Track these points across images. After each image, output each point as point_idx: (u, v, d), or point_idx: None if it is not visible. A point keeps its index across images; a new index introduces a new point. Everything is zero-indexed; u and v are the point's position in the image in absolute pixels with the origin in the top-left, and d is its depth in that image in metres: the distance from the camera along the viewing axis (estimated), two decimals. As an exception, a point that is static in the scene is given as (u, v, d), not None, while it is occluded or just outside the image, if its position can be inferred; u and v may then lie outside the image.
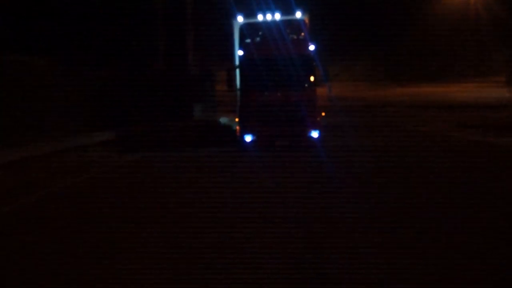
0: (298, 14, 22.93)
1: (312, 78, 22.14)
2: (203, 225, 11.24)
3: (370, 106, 31.50)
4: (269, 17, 23.17)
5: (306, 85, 22.14)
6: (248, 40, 22.78)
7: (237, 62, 23.59)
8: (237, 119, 22.99)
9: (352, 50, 44.35)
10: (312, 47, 22.40)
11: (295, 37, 22.69)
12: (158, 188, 15.53)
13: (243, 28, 23.17)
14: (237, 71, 23.21)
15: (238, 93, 23.24)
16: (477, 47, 53.81)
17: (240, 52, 22.58)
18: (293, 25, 22.95)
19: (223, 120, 29.45)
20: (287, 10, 23.15)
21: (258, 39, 22.85)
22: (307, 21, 23.30)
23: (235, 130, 23.53)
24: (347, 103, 31.18)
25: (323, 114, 22.60)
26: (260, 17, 23.28)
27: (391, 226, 10.66)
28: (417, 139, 23.88)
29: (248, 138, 22.09)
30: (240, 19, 23.56)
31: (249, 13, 23.49)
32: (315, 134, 21.99)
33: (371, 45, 46.14)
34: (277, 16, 23.05)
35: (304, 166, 18.72)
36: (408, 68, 47.23)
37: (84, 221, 11.93)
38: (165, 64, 28.95)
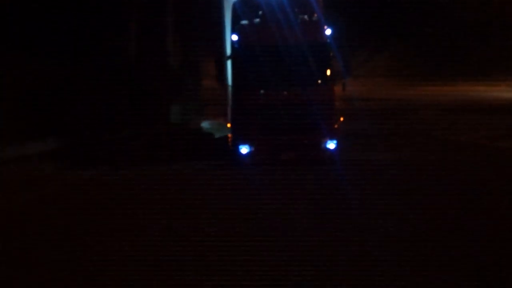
0: None
1: (328, 73, 17.69)
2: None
3: (396, 109, 27.37)
4: (271, -9, 18.78)
5: (320, 81, 17.72)
6: (244, 22, 18.23)
7: (229, 51, 19.27)
8: (229, 125, 18.67)
9: (373, 39, 39.74)
10: (328, 32, 18.05)
11: (305, 18, 18.19)
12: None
13: (237, 6, 18.50)
14: (229, 62, 18.80)
15: (230, 90, 18.96)
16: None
17: (234, 37, 18.10)
18: (303, 2, 18.44)
19: (206, 124, 24.91)
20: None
21: (257, 20, 18.26)
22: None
23: (227, 139, 19.32)
24: (367, 105, 27.13)
25: (341, 119, 18.44)
26: (259, -8, 18.89)
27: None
28: (462, 153, 19.72)
29: (244, 149, 17.63)
30: (233, -6, 19.18)
31: None
32: (331, 145, 17.54)
33: (397, 34, 41.37)
34: (282, -10, 18.61)
35: (317, 190, 14.59)
36: (443, 62, 42.69)
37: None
38: (137, 53, 24.61)
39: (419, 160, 18.31)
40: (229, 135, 18.68)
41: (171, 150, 19.44)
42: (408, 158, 18.64)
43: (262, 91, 17.74)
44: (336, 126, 17.66)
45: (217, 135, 23.79)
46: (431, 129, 23.38)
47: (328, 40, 17.81)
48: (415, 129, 23.33)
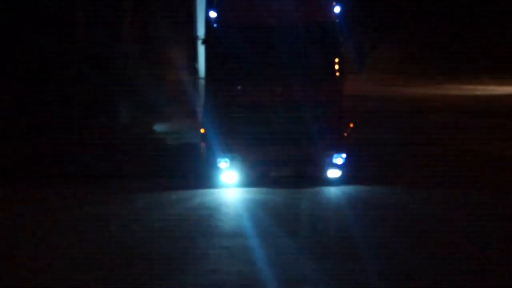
0: None
1: (336, 63, 13.84)
2: None
3: (411, 111, 23.76)
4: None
5: (326, 75, 13.86)
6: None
7: (203, 33, 15.38)
8: (202, 130, 15.06)
9: (381, 28, 35.66)
10: (337, 9, 14.22)
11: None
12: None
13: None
14: (203, 48, 14.72)
15: (204, 85, 15.31)
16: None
17: (211, 14, 14.15)
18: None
19: (160, 128, 21.01)
20: None
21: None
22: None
23: (200, 149, 15.54)
24: (376, 106, 23.59)
25: (351, 125, 14.83)
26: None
27: None
28: (488, 169, 16.18)
29: (223, 164, 13.94)
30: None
31: None
32: (338, 159, 13.81)
33: (408, 24, 37.31)
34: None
35: (317, 226, 11.08)
36: (463, 58, 39.04)
37: None
38: (86, 39, 20.73)
39: (446, 181, 14.73)
40: (202, 143, 15.01)
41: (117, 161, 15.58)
42: (427, 176, 15.02)
43: (247, 87, 13.86)
44: (345, 134, 13.99)
45: (173, 141, 20.12)
46: (447, 137, 19.75)
47: (337, 21, 14.04)
48: (438, 138, 19.86)
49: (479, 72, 37.16)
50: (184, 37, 18.11)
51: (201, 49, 15.21)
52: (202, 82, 15.34)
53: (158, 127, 22.16)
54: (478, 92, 36.29)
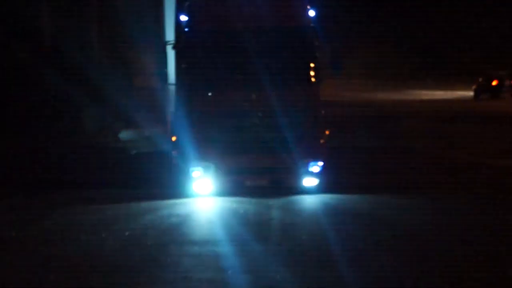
0: None
1: (312, 68, 13.40)
2: None
3: (383, 117, 23.40)
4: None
5: (301, 81, 13.39)
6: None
7: (171, 37, 14.90)
8: (173, 138, 14.55)
9: (354, 32, 35.52)
10: (311, 13, 13.76)
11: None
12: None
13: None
14: (172, 53, 14.24)
15: (174, 91, 14.74)
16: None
17: (182, 18, 13.68)
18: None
19: (126, 135, 20.22)
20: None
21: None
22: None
23: (171, 157, 15.04)
24: (348, 111, 23.18)
25: (327, 132, 14.45)
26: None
27: None
28: (461, 174, 15.89)
29: (196, 172, 13.39)
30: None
31: None
32: (315, 168, 13.34)
33: (381, 25, 37.18)
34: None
35: (290, 234, 10.60)
36: (437, 60, 39.18)
37: None
38: (53, 47, 20.07)
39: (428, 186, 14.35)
40: (174, 151, 14.50)
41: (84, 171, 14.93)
42: (413, 185, 14.58)
43: (220, 93, 13.35)
44: (322, 141, 13.53)
45: (137, 150, 19.52)
46: (426, 142, 19.41)
47: (312, 24, 13.62)
48: (411, 145, 19.55)
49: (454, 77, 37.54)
50: (152, 42, 17.54)
51: (171, 55, 14.82)
52: (172, 88, 14.96)
53: (124, 135, 21.48)
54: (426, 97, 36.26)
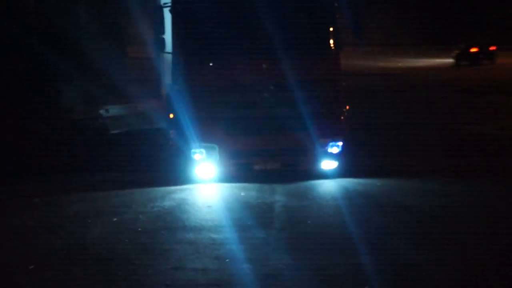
0: None
1: (331, 35, 11.56)
2: None
3: (402, 88, 21.90)
4: None
5: (319, 48, 11.57)
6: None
7: None
8: (171, 115, 12.73)
9: None
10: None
11: None
12: None
13: None
14: (169, 17, 12.07)
15: (172, 61, 12.77)
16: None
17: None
18: None
19: (108, 112, 18.29)
20: None
21: None
22: None
23: (168, 137, 13.33)
24: (364, 82, 21.56)
25: (347, 107, 12.78)
26: None
27: None
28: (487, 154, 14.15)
29: (197, 155, 11.70)
30: None
31: None
32: (334, 148, 11.77)
33: None
34: None
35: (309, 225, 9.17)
36: (458, 26, 37.74)
37: None
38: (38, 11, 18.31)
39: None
40: (171, 131, 12.81)
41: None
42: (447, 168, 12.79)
43: (225, 63, 11.52)
44: (342, 118, 11.88)
45: (123, 129, 17.34)
46: (450, 117, 17.70)
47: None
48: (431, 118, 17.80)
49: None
50: (147, 7, 15.81)
51: (168, 20, 13.10)
52: (169, 57, 13.23)
53: (105, 111, 19.51)
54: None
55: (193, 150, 11.54)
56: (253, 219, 9.54)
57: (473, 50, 43.51)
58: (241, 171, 11.65)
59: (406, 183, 11.69)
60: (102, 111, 19.00)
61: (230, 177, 11.68)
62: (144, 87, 18.25)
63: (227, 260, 7.95)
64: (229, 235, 8.90)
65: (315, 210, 10.03)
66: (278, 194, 10.98)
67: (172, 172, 12.29)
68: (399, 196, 10.78)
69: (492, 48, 44.26)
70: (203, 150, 11.50)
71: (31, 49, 15.61)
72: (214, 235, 8.85)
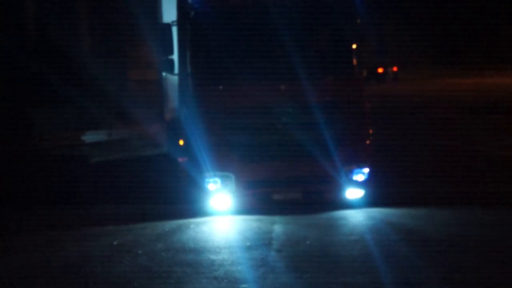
0: None
1: (355, 53, 10.87)
2: None
3: (421, 108, 22.39)
4: None
5: (342, 69, 10.83)
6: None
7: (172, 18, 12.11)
8: (181, 142, 12.02)
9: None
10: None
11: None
12: None
13: None
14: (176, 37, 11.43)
15: (182, 83, 11.50)
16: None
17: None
18: None
19: (90, 137, 17.71)
20: None
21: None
22: None
23: (177, 165, 12.46)
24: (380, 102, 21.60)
25: (370, 131, 11.92)
26: None
27: None
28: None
29: (212, 185, 10.87)
30: None
31: None
32: (360, 176, 10.96)
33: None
34: None
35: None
36: (462, 48, 37.74)
37: None
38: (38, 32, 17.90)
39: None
40: (180, 159, 11.94)
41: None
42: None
43: (240, 85, 10.69)
44: (368, 142, 11.17)
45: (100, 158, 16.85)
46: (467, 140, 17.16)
47: (355, 3, 11.03)
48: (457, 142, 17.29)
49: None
50: (148, 28, 15.15)
51: (175, 40, 12.27)
52: (175, 79, 12.44)
53: (88, 137, 18.71)
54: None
55: (207, 180, 10.65)
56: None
57: (380, 70, 50.19)
58: (259, 201, 10.75)
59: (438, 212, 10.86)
60: (85, 137, 18.23)
61: (247, 208, 10.76)
62: (145, 110, 17.61)
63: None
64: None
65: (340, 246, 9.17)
66: (310, 229, 10.08)
67: (185, 203, 11.37)
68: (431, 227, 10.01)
69: (395, 69, 51.75)
70: (217, 180, 10.64)
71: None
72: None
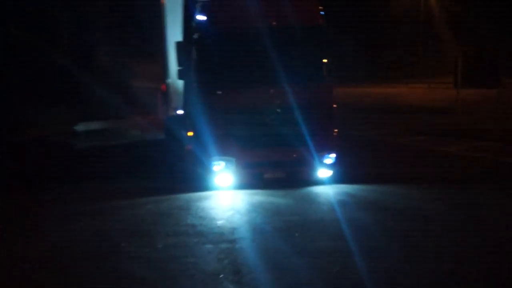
0: None
1: (325, 66, 13.99)
2: None
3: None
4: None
5: (317, 77, 13.96)
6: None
7: (178, 37, 15.19)
8: (190, 133, 14.69)
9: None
10: (322, 15, 14.38)
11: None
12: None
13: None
14: (182, 51, 14.45)
15: (185, 87, 14.89)
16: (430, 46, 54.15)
17: (200, 18, 14.09)
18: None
19: (82, 127, 19.90)
20: None
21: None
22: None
23: (185, 151, 15.48)
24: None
25: (336, 128, 15.05)
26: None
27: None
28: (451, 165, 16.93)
29: (217, 166, 13.85)
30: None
31: None
32: (329, 160, 14.10)
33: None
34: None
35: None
36: (352, 66, 43.27)
37: None
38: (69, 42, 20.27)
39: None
40: (188, 147, 14.94)
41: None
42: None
43: (239, 90, 13.74)
44: (335, 134, 14.10)
45: (87, 143, 19.21)
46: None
47: (324, 25, 14.09)
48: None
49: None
50: (151, 44, 17.85)
51: (180, 53, 15.05)
52: (178, 85, 15.53)
53: (80, 127, 20.79)
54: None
55: (213, 163, 13.74)
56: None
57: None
58: (254, 179, 13.90)
59: (388, 188, 14.11)
60: (77, 127, 20.40)
61: (245, 185, 13.86)
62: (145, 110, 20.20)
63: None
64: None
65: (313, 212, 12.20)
66: (290, 199, 13.09)
67: (192, 180, 14.40)
68: (381, 197, 13.19)
69: None
70: (222, 162, 13.74)
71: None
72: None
